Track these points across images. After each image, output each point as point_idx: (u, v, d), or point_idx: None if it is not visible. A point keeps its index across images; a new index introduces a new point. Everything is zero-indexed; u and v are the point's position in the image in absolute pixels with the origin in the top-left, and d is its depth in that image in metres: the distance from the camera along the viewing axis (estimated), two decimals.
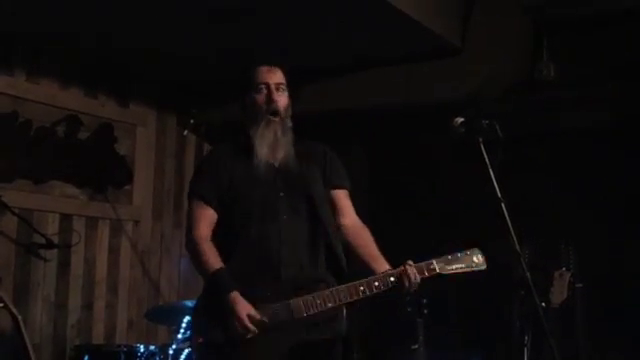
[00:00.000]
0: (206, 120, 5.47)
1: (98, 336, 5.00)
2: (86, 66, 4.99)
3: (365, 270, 2.87)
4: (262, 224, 2.82)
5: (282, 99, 2.92)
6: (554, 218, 4.80)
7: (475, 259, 2.89)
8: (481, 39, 4.68)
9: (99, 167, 5.09)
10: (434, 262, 2.85)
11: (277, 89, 2.91)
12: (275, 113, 2.89)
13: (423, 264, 2.85)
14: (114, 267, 5.14)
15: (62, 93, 4.90)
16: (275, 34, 4.38)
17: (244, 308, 2.69)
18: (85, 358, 4.22)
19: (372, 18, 4.22)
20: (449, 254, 2.88)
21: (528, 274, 2.70)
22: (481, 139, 2.77)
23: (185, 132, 5.52)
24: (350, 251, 2.95)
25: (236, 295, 2.71)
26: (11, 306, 3.63)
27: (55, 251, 4.74)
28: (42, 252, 4.69)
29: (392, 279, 2.79)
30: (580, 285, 4.12)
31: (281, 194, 2.86)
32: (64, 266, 4.84)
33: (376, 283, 2.78)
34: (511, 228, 2.70)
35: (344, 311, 2.88)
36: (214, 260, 2.79)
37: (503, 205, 2.72)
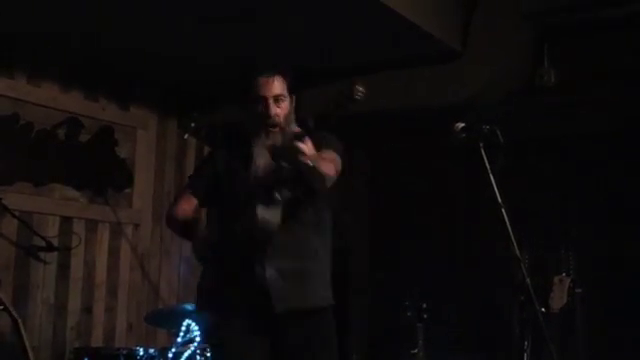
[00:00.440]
0: (207, 123, 5.47)
1: (97, 339, 4.99)
2: (87, 69, 5.00)
3: None
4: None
5: (281, 110, 2.87)
6: (554, 223, 4.81)
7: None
8: (482, 44, 4.69)
9: (99, 170, 5.09)
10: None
11: (276, 101, 2.87)
12: (274, 126, 2.87)
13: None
14: (114, 270, 5.14)
15: (63, 96, 4.90)
16: (275, 38, 4.38)
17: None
18: None
19: (372, 22, 4.22)
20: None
21: (528, 279, 2.70)
22: (482, 144, 2.77)
23: (186, 135, 5.52)
24: None
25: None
26: (11, 308, 3.64)
27: (55, 254, 4.73)
28: (42, 255, 4.69)
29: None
30: (580, 290, 4.12)
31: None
32: (64, 269, 4.84)
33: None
34: (511, 233, 2.71)
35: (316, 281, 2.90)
36: (189, 215, 2.94)
37: (503, 210, 2.73)
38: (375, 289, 5.65)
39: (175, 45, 4.57)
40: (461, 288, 5.12)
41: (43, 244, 4.65)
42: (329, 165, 2.79)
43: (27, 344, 3.62)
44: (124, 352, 4.22)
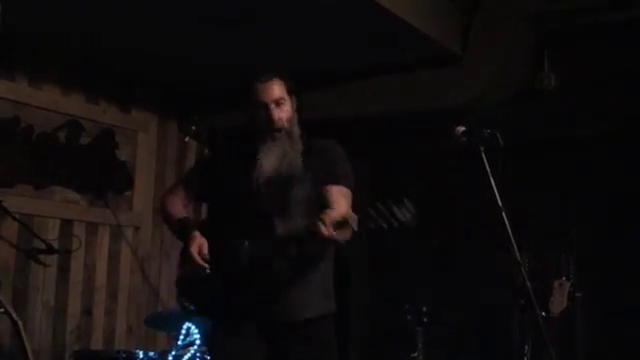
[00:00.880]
0: (207, 126, 5.48)
1: (97, 342, 4.99)
2: (88, 72, 5.00)
3: None
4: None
5: (283, 113, 2.86)
6: (554, 227, 4.81)
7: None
8: (482, 48, 4.69)
9: (100, 173, 5.09)
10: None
11: (277, 104, 2.85)
12: (278, 130, 2.85)
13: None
14: (114, 273, 5.14)
15: (64, 99, 4.90)
16: (274, 41, 4.39)
17: (196, 243, 2.82)
18: None
19: (372, 25, 4.23)
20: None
21: (528, 283, 2.70)
22: (482, 148, 2.78)
23: (186, 138, 5.52)
24: None
25: (193, 235, 2.85)
26: (11, 311, 3.63)
27: (55, 256, 4.73)
28: (42, 257, 4.68)
29: None
30: (580, 295, 4.12)
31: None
32: (64, 271, 4.83)
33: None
34: (512, 237, 2.71)
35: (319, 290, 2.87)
36: (178, 211, 3.01)
37: (504, 214, 2.73)
38: (375, 292, 5.65)
39: (176, 48, 4.58)
40: (461, 291, 5.12)
41: (43, 247, 4.64)
42: (350, 213, 2.66)
43: (27, 347, 3.62)
44: (124, 355, 4.21)
